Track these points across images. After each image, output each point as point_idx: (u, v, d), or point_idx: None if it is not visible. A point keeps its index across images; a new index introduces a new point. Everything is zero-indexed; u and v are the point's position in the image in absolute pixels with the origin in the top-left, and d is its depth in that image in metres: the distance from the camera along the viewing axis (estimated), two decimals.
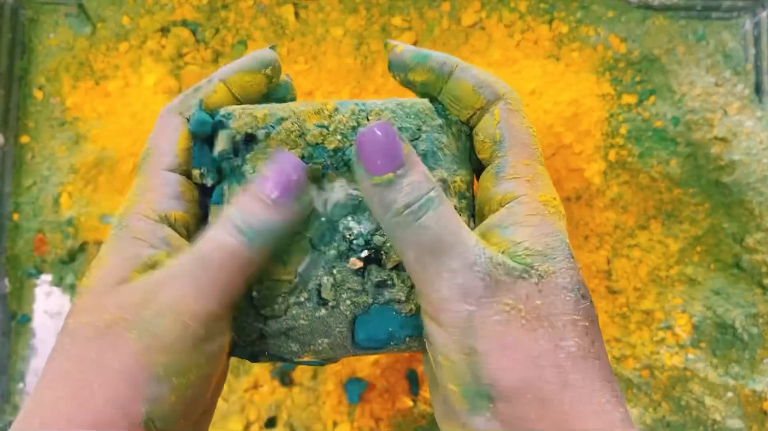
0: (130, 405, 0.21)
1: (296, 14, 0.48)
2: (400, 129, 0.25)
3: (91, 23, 0.49)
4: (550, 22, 0.48)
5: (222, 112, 0.26)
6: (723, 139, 0.46)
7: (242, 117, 0.26)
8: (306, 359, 0.27)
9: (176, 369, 0.22)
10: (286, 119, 0.25)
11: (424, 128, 0.25)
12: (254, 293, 0.26)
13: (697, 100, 0.47)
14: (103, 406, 0.21)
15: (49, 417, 0.21)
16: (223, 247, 0.22)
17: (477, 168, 0.27)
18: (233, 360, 0.46)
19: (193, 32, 0.48)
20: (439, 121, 0.26)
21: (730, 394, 0.46)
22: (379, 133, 0.22)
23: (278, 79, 0.28)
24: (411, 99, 0.26)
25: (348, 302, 0.25)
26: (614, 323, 0.47)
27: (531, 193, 0.24)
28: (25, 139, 0.49)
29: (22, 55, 0.49)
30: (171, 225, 0.24)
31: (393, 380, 0.46)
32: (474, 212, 0.26)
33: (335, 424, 0.46)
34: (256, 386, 0.46)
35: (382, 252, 0.25)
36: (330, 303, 0.25)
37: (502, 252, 0.23)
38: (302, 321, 0.25)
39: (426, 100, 0.26)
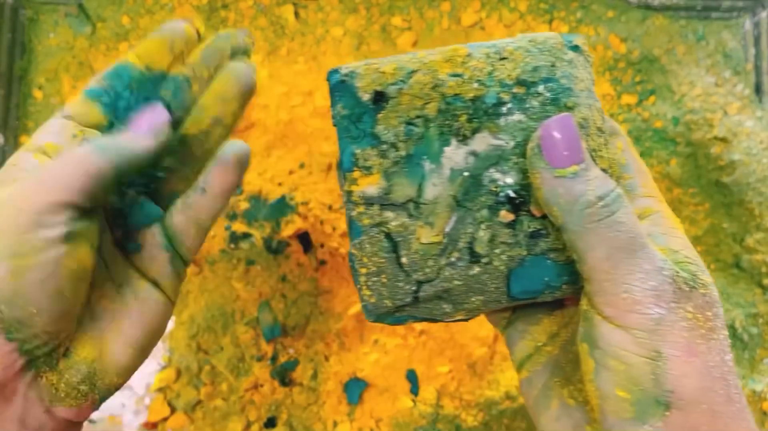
0: None
1: (296, 14, 0.48)
2: (535, 68, 0.24)
3: (91, 23, 0.49)
4: (550, 22, 0.48)
5: (344, 70, 0.25)
6: (723, 139, 0.46)
7: (368, 74, 0.25)
8: (458, 318, 0.26)
9: (10, 251, 0.23)
10: (417, 71, 0.24)
11: (557, 64, 0.25)
12: (403, 259, 0.25)
13: (697, 100, 0.47)
14: None
15: None
16: (73, 153, 0.24)
17: None
18: (233, 359, 0.46)
19: None
20: (571, 54, 0.25)
21: None
22: (564, 125, 0.22)
23: (190, 48, 0.29)
24: (543, 34, 0.25)
25: (502, 256, 0.24)
26: None
27: (667, 210, 0.24)
28: (24, 138, 0.49)
29: (22, 55, 0.49)
30: (46, 153, 0.27)
31: (393, 380, 0.46)
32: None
33: (335, 424, 0.46)
34: (256, 386, 0.46)
35: (532, 201, 0.24)
36: (483, 260, 0.24)
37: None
38: (456, 282, 0.25)
39: (557, 34, 0.25)
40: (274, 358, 0.46)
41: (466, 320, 0.27)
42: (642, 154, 0.47)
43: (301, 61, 0.48)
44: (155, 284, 0.28)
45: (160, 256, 0.28)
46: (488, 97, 0.24)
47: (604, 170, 0.24)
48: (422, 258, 0.25)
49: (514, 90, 0.24)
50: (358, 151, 0.25)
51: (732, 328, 0.46)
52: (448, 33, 0.48)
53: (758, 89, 0.48)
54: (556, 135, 0.22)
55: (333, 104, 0.25)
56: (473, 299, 0.25)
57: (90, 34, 0.49)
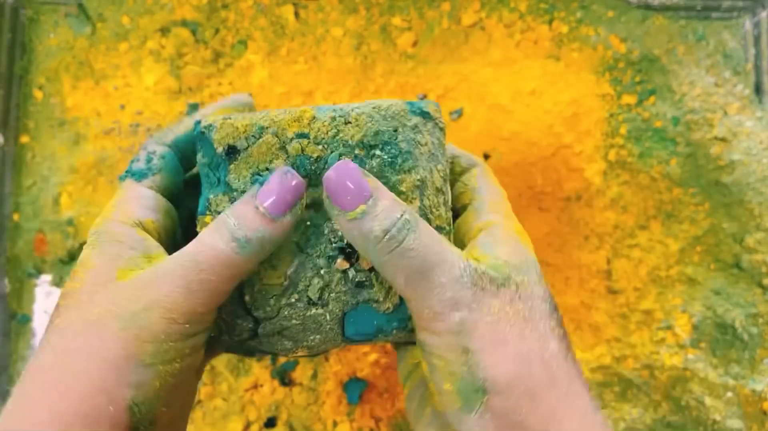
0: (115, 391, 0.22)
1: (296, 14, 0.48)
2: (376, 133, 0.26)
3: (91, 23, 0.49)
4: (550, 22, 0.48)
5: (204, 123, 0.27)
6: (723, 139, 0.46)
7: (223, 128, 0.26)
8: (300, 354, 0.28)
9: (162, 357, 0.23)
10: (267, 128, 0.26)
11: (400, 129, 0.26)
12: (246, 297, 0.26)
13: (697, 100, 0.47)
14: (88, 393, 0.22)
15: (32, 409, 0.22)
16: (216, 252, 0.24)
17: (453, 215, 0.29)
18: (233, 359, 0.46)
19: (193, 32, 0.48)
20: (415, 120, 0.27)
21: (729, 394, 0.46)
22: (342, 173, 0.24)
23: None
24: (387, 101, 0.27)
25: (336, 301, 0.26)
26: (614, 323, 0.47)
27: (507, 222, 0.27)
28: (25, 139, 0.49)
29: (22, 55, 0.49)
30: (146, 230, 0.26)
31: (393, 380, 0.46)
32: (451, 207, 0.29)
33: (335, 424, 0.46)
34: (256, 386, 0.46)
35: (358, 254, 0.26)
36: (319, 303, 0.26)
37: (486, 264, 0.25)
38: (294, 321, 0.26)
39: (401, 101, 0.27)
40: (274, 358, 0.46)
41: (310, 356, 0.29)
42: (642, 154, 0.47)
43: (301, 61, 0.48)
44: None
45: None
46: (331, 157, 0.26)
47: (434, 221, 0.26)
48: (263, 297, 0.26)
49: (356, 152, 0.26)
50: (211, 197, 0.26)
51: (732, 328, 0.46)
52: (448, 33, 0.48)
53: (758, 89, 0.48)
54: (336, 183, 0.24)
55: (197, 152, 0.27)
56: (311, 337, 0.27)
57: (90, 34, 0.49)
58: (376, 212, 0.23)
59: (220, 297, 0.24)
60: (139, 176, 0.28)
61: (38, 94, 0.49)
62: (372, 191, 0.24)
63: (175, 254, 0.24)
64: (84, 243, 0.48)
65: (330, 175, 0.24)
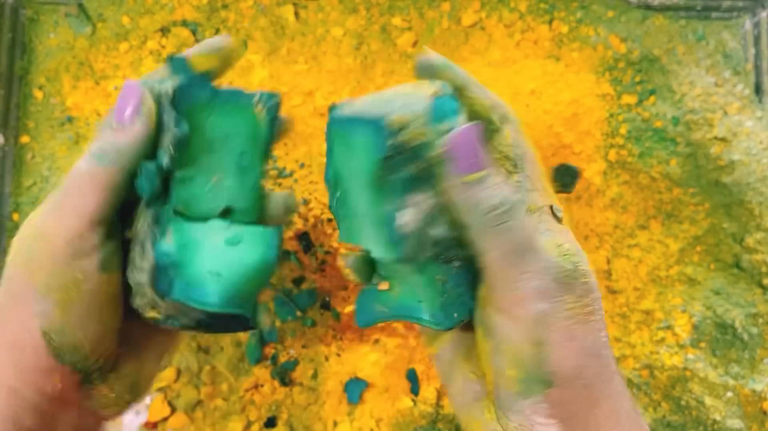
0: (28, 322, 0.25)
1: (296, 14, 0.48)
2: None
3: (91, 23, 0.49)
4: (550, 22, 0.48)
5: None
6: (723, 139, 0.46)
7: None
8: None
9: (53, 285, 0.25)
10: None
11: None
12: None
13: (697, 100, 0.47)
14: (13, 324, 0.25)
15: None
16: (77, 171, 0.25)
17: None
18: (233, 360, 0.46)
19: (193, 32, 0.48)
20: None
21: (729, 394, 0.46)
22: (470, 135, 0.24)
23: (232, 60, 0.30)
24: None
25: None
26: (614, 323, 0.47)
27: (548, 201, 0.27)
28: (25, 138, 0.49)
29: (23, 54, 0.49)
30: None
31: (393, 380, 0.46)
32: None
33: (335, 424, 0.46)
34: (256, 386, 0.46)
35: None
36: None
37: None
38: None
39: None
40: (274, 358, 0.46)
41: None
42: (642, 154, 0.47)
43: (301, 61, 0.48)
44: None
45: None
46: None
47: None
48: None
49: None
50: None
51: (732, 328, 0.46)
52: (448, 33, 0.48)
53: (758, 89, 0.48)
54: (463, 143, 0.24)
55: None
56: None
57: (90, 34, 0.49)
58: (488, 184, 0.24)
59: (92, 208, 0.25)
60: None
61: (38, 94, 0.49)
62: (486, 161, 0.24)
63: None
64: None
65: (457, 134, 0.24)
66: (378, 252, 0.26)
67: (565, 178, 0.43)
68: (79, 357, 0.25)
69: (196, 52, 0.28)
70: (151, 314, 0.27)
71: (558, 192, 0.45)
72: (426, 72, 0.27)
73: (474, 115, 0.27)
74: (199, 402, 0.46)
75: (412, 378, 0.45)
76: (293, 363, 0.46)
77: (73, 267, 0.25)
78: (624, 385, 0.25)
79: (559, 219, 0.26)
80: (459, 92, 0.27)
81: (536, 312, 0.24)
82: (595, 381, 0.24)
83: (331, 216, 0.46)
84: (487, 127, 0.27)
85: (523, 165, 0.27)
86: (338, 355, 0.46)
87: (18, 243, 0.26)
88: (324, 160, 0.46)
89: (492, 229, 0.24)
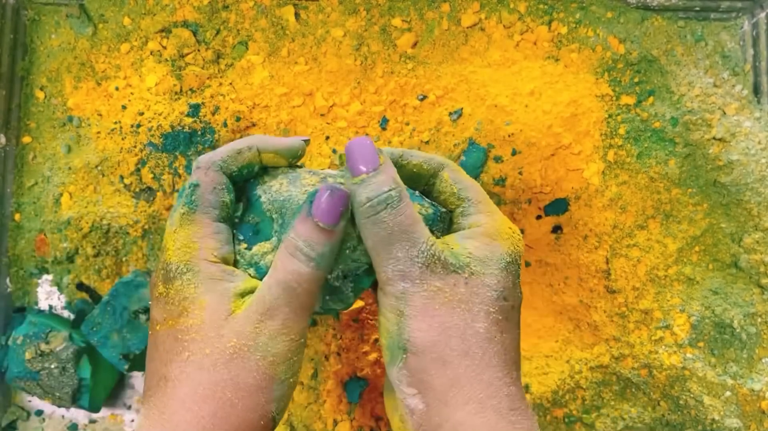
0: (263, 408, 0.28)
1: (296, 15, 0.48)
2: None
3: (92, 24, 0.49)
4: (549, 23, 0.48)
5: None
6: (721, 140, 0.47)
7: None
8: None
9: (292, 371, 0.29)
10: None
11: None
12: None
13: (695, 100, 0.47)
14: (245, 414, 0.27)
15: None
16: (303, 275, 0.28)
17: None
18: None
19: (194, 33, 0.48)
20: None
21: (728, 393, 0.46)
22: (359, 143, 0.29)
23: (297, 162, 0.33)
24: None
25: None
26: (613, 322, 0.47)
27: (489, 222, 0.31)
28: (26, 139, 0.49)
29: (24, 55, 0.50)
30: (228, 263, 0.30)
31: None
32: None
33: (335, 423, 0.46)
34: None
35: None
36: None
37: (450, 252, 0.29)
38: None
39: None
40: None
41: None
42: (640, 155, 0.47)
43: (301, 61, 0.48)
44: None
45: None
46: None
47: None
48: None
49: None
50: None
51: (730, 328, 0.46)
52: (448, 34, 0.48)
53: (756, 90, 0.48)
54: (355, 151, 0.29)
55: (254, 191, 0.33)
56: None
57: (91, 34, 0.49)
58: (370, 182, 0.28)
59: (314, 305, 0.29)
60: (210, 211, 0.30)
61: (40, 95, 0.49)
62: (380, 166, 0.29)
63: (267, 285, 0.29)
64: (84, 241, 0.48)
65: (351, 143, 0.29)
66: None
67: (557, 210, 0.46)
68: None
69: (275, 151, 0.32)
70: (337, 306, 0.32)
71: (554, 215, 0.47)
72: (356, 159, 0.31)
73: (413, 175, 0.33)
74: None
75: None
76: None
77: (302, 352, 0.29)
78: (501, 372, 0.28)
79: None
80: (398, 161, 0.32)
81: (399, 289, 0.28)
82: (455, 361, 0.27)
83: None
84: (428, 181, 0.33)
85: (466, 194, 0.32)
86: (338, 355, 0.46)
87: (234, 342, 0.27)
88: (324, 159, 0.46)
89: (364, 221, 0.28)
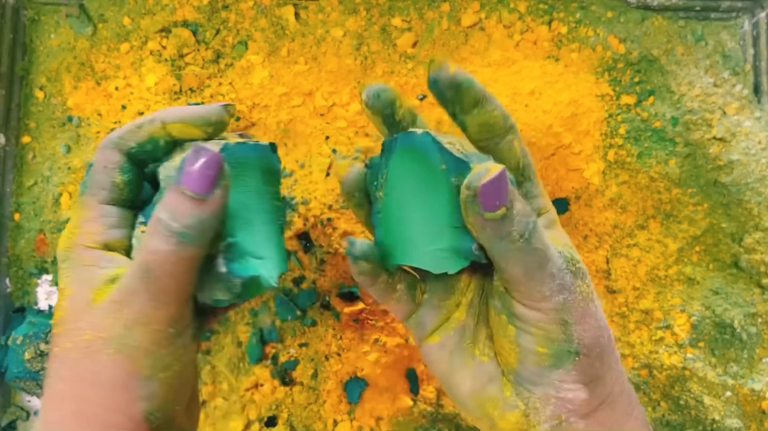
0: (129, 408, 0.25)
1: (296, 15, 0.48)
2: None
3: (92, 24, 0.49)
4: (549, 23, 0.48)
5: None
6: (722, 139, 0.46)
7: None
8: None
9: (160, 365, 0.25)
10: None
11: None
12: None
13: (695, 100, 0.47)
14: (107, 414, 0.24)
15: None
16: (163, 255, 0.24)
17: None
18: (233, 359, 0.46)
19: (194, 33, 0.48)
20: None
21: (728, 393, 0.46)
22: (499, 180, 0.26)
23: (218, 134, 0.29)
24: None
25: None
26: (613, 322, 0.47)
27: (549, 205, 0.31)
28: (26, 139, 0.49)
29: (24, 55, 0.49)
30: (112, 250, 0.27)
31: (393, 379, 0.46)
32: None
33: (335, 423, 0.46)
34: (256, 385, 0.46)
35: None
36: None
37: (567, 249, 0.29)
38: None
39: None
40: (274, 358, 0.46)
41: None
42: (641, 154, 0.47)
43: (301, 61, 0.48)
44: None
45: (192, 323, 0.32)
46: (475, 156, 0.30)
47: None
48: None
49: None
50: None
51: (731, 328, 0.46)
52: (448, 33, 0.48)
53: (757, 89, 0.48)
54: (491, 190, 0.26)
55: (158, 160, 0.30)
56: None
57: (91, 34, 0.49)
58: (512, 216, 0.26)
59: (187, 289, 0.25)
60: (98, 192, 0.28)
61: (39, 95, 0.49)
62: (509, 196, 0.26)
63: (130, 270, 0.25)
64: None
65: (489, 182, 0.25)
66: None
67: (557, 209, 0.45)
68: (171, 427, 0.26)
69: (182, 121, 0.28)
70: (221, 296, 0.27)
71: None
72: (445, 87, 0.28)
73: (489, 127, 0.29)
74: (202, 403, 0.46)
75: (412, 377, 0.46)
76: (293, 363, 0.46)
77: (176, 345, 0.26)
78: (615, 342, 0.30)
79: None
80: (480, 104, 0.29)
81: (559, 302, 0.27)
82: (607, 348, 0.28)
83: (331, 216, 0.46)
84: (493, 139, 0.30)
85: (528, 171, 0.30)
86: (338, 355, 0.46)
87: (89, 335, 0.25)
88: (324, 159, 0.46)
89: (513, 252, 0.26)
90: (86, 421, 0.24)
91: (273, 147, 0.31)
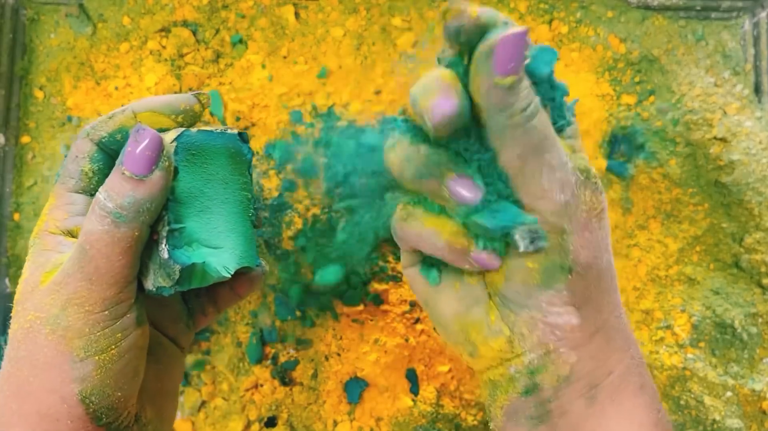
0: (62, 389, 0.25)
1: (296, 14, 0.48)
2: None
3: (91, 23, 0.49)
4: (549, 23, 0.48)
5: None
6: (722, 139, 0.46)
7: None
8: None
9: (94, 348, 0.25)
10: None
11: None
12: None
13: (696, 100, 0.47)
14: (41, 395, 0.25)
15: (4, 415, 0.25)
16: (97, 235, 0.24)
17: None
18: (233, 359, 0.46)
19: (194, 32, 0.48)
20: None
21: (729, 394, 0.46)
22: (518, 39, 0.23)
23: (190, 123, 0.29)
24: None
25: None
26: None
27: (574, 120, 0.28)
28: (25, 139, 0.49)
29: (23, 55, 0.49)
30: (75, 236, 0.27)
31: (393, 379, 0.46)
32: None
33: (335, 423, 0.46)
34: (256, 385, 0.46)
35: None
36: None
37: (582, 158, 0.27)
38: None
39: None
40: (274, 358, 0.46)
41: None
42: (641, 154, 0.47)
43: (301, 61, 0.48)
44: (174, 340, 0.31)
45: (180, 321, 0.32)
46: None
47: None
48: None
49: None
50: None
51: (731, 328, 0.46)
52: None
53: (757, 89, 0.48)
54: (511, 46, 0.23)
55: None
56: None
57: (91, 34, 0.49)
58: (520, 89, 0.23)
59: (124, 271, 0.25)
60: (67, 180, 0.28)
61: (39, 94, 0.49)
62: (522, 66, 0.23)
63: (71, 251, 0.26)
64: None
65: (511, 36, 0.23)
66: None
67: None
68: (115, 416, 0.26)
69: (153, 110, 0.28)
70: (162, 282, 0.27)
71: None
72: (473, 35, 0.24)
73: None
74: (202, 403, 0.46)
75: (412, 377, 0.46)
76: (293, 363, 0.46)
77: (114, 329, 0.25)
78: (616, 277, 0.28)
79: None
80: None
81: (560, 202, 0.24)
82: (605, 273, 0.26)
83: (331, 216, 0.46)
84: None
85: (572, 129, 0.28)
86: (338, 355, 0.46)
87: (31, 316, 0.25)
88: (324, 159, 0.46)
89: (513, 129, 0.24)
90: (23, 401, 0.25)
91: (243, 136, 0.30)
